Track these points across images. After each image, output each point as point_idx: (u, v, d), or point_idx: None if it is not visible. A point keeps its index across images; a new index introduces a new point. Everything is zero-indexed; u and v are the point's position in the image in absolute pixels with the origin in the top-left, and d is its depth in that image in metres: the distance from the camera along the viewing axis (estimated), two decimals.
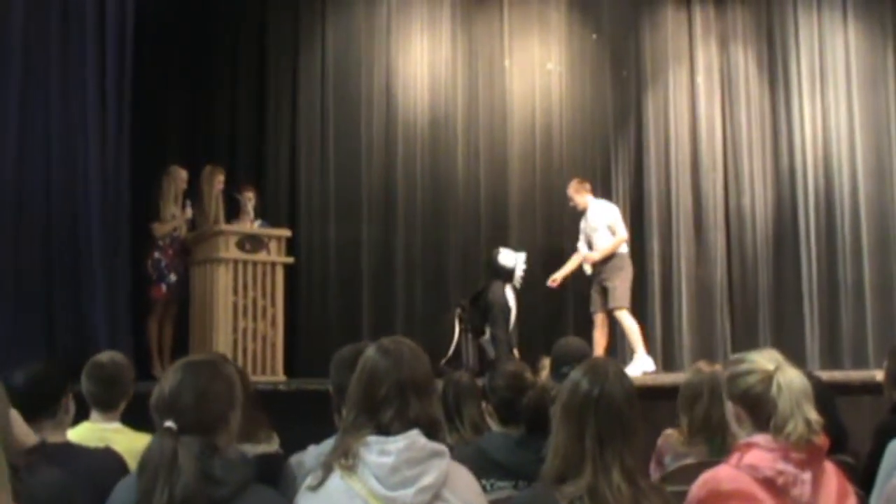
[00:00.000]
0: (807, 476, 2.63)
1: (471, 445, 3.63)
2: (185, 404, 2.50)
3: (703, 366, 4.29)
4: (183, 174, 8.70)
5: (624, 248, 9.71)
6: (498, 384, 3.70)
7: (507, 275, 9.40)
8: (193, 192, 8.80)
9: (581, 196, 9.85)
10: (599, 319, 9.66)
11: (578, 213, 10.30)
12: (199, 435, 2.44)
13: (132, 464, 2.78)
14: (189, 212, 8.67)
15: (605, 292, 9.56)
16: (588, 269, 9.75)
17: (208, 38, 10.10)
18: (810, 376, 2.93)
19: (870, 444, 4.29)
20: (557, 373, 4.89)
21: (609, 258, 9.60)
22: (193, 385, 2.54)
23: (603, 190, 11.41)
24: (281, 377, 8.33)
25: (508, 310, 9.28)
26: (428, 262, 10.76)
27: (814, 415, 2.65)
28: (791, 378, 2.68)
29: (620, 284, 9.55)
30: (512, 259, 9.49)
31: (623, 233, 9.71)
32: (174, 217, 8.56)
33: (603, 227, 9.69)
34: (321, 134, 10.55)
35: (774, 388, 2.66)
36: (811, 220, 11.45)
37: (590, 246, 9.78)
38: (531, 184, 11.30)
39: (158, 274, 8.47)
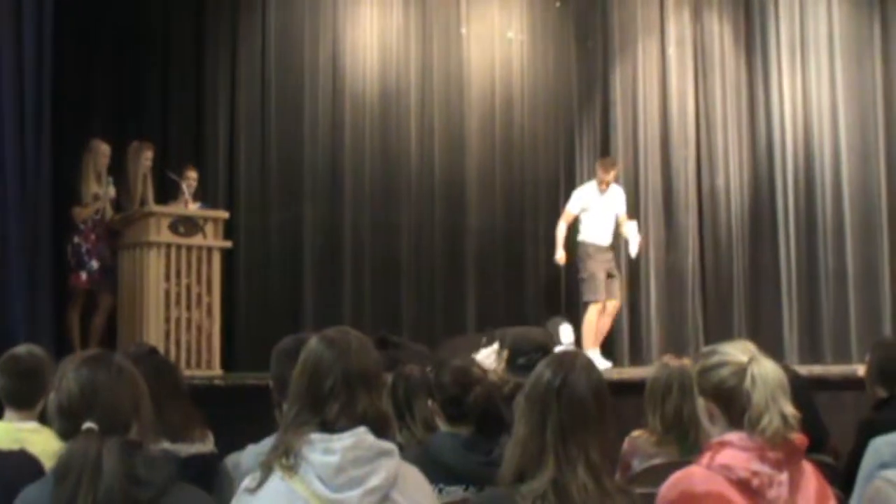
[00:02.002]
0: (783, 477, 2.64)
1: (417, 448, 3.62)
2: (102, 403, 2.47)
3: (670, 360, 4.32)
4: (104, 149, 8.59)
5: None
6: (444, 380, 3.69)
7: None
8: (120, 171, 8.70)
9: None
10: (602, 306, 10.03)
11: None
12: (117, 434, 2.42)
13: (49, 466, 2.75)
14: (112, 191, 8.57)
15: (612, 280, 10.07)
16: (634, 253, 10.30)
17: (140, 3, 9.96)
18: (787, 369, 2.95)
19: (851, 442, 4.35)
20: (514, 364, 4.92)
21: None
22: (105, 382, 2.51)
23: (567, 168, 11.47)
24: (217, 371, 8.29)
25: None
26: (377, 247, 10.75)
27: (790, 409, 2.66)
28: (766, 370, 2.69)
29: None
30: (569, 338, 9.86)
31: None
32: (97, 198, 8.46)
33: (621, 211, 10.29)
34: (262, 108, 10.48)
35: (748, 381, 2.67)
36: (790, 202, 11.53)
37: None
38: (490, 161, 11.32)
39: (78, 260, 8.38)
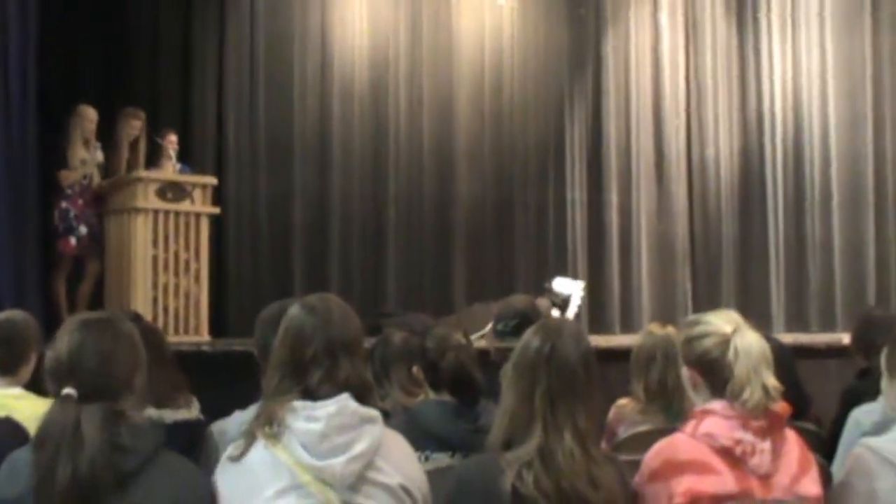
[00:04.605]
0: (766, 445, 2.66)
1: (403, 415, 3.63)
2: (87, 369, 2.43)
3: (656, 328, 4.33)
4: (91, 114, 8.52)
5: None
6: (426, 346, 3.71)
7: (562, 304, 9.50)
8: (108, 136, 8.66)
9: None
10: None
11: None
12: (102, 401, 2.39)
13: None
14: (100, 155, 8.53)
15: None
16: None
17: None
18: (769, 339, 2.96)
19: (835, 410, 4.39)
20: (495, 330, 4.97)
21: None
22: (95, 347, 2.47)
23: (557, 137, 11.43)
24: (205, 337, 8.28)
25: None
26: (366, 214, 10.72)
27: (772, 381, 2.69)
28: (749, 342, 2.71)
29: None
30: (568, 287, 9.67)
31: None
32: (84, 163, 8.40)
33: None
34: (250, 74, 10.42)
35: (731, 353, 2.69)
36: (779, 172, 11.57)
37: None
38: (479, 130, 11.26)
39: (66, 226, 8.32)
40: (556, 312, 9.43)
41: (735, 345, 2.70)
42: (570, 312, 9.63)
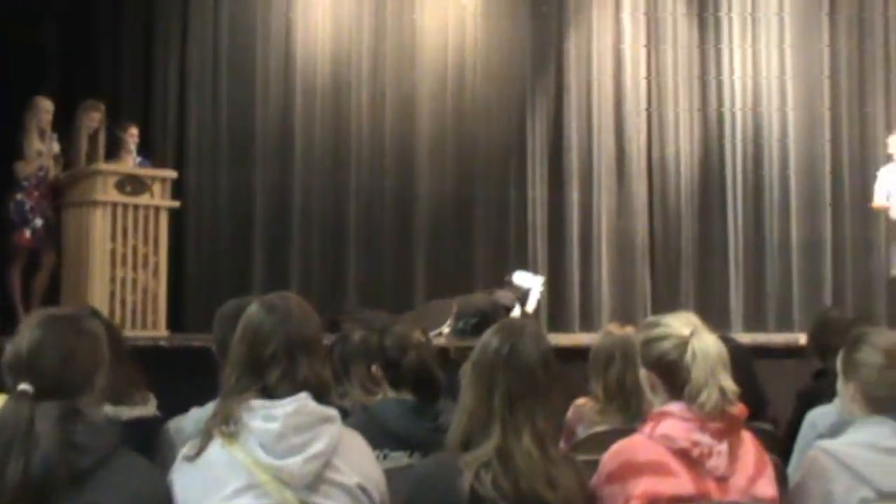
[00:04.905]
0: (723, 447, 2.68)
1: (362, 413, 3.62)
2: (47, 365, 2.40)
3: (615, 328, 4.33)
4: (47, 105, 8.44)
5: None
6: (385, 344, 3.70)
7: (521, 297, 9.48)
8: (65, 128, 8.58)
9: None
10: None
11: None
12: (59, 399, 2.35)
13: None
14: (56, 147, 8.45)
15: None
16: None
17: None
18: (727, 341, 2.98)
19: (791, 410, 4.42)
20: (455, 329, 4.94)
21: None
22: (56, 344, 2.43)
23: (518, 134, 11.44)
24: (163, 332, 8.24)
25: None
26: (327, 210, 10.69)
27: (729, 383, 2.70)
28: (707, 344, 2.72)
29: None
30: (528, 281, 9.73)
31: None
32: (39, 154, 8.33)
33: None
34: (213, 67, 10.37)
35: (689, 356, 2.71)
36: (738, 171, 11.65)
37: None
38: (441, 127, 11.25)
39: (21, 218, 8.24)
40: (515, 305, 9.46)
41: (693, 347, 2.71)
42: (529, 306, 9.66)
